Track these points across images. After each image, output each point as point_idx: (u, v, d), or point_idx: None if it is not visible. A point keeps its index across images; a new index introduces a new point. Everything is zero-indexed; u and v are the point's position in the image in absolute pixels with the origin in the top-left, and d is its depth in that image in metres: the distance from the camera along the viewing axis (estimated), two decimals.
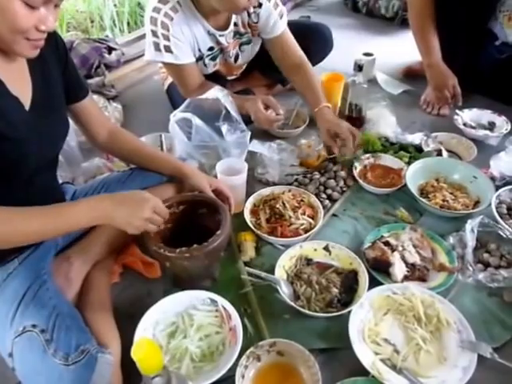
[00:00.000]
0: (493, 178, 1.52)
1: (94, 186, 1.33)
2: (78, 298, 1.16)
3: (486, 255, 1.28)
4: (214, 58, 1.79)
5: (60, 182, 1.30)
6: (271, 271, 1.26)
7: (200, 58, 1.76)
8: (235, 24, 1.73)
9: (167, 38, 1.60)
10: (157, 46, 1.62)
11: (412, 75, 2.29)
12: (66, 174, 1.52)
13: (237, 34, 1.77)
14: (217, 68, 1.85)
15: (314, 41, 2.03)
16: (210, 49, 1.74)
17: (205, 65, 1.79)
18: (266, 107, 1.68)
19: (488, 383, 1.04)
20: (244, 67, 2.01)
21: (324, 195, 1.56)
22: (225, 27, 1.71)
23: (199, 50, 1.72)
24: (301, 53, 1.83)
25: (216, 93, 1.56)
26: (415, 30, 1.97)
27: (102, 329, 1.04)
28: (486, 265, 1.26)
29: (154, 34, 1.60)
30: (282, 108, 1.72)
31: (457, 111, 1.89)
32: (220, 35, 1.71)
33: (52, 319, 0.96)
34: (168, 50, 1.62)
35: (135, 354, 0.67)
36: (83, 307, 1.11)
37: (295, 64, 1.81)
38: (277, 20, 1.76)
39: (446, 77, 1.89)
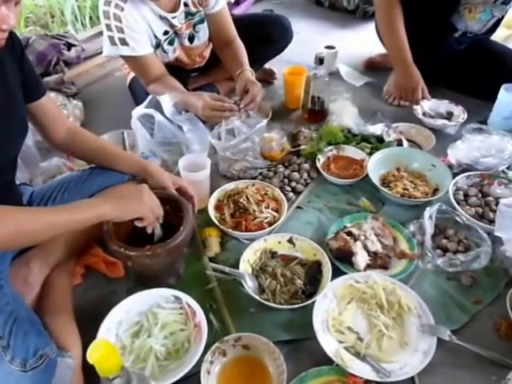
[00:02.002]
0: (450, 166, 1.56)
1: (53, 187, 1.29)
2: (37, 301, 1.13)
3: (444, 241, 1.31)
4: (171, 43, 1.78)
5: (16, 183, 1.27)
6: (237, 266, 1.26)
7: (158, 45, 1.75)
8: (185, 4, 1.73)
9: (121, 31, 1.59)
10: (112, 40, 1.61)
11: (373, 67, 2.32)
12: (22, 174, 1.46)
13: (188, 14, 1.76)
14: (177, 54, 1.84)
15: (274, 29, 2.04)
16: (165, 33, 1.73)
17: (164, 51, 1.78)
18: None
19: (447, 364, 1.08)
20: (207, 56, 2.00)
21: (288, 188, 1.57)
22: (175, 9, 1.70)
23: (155, 37, 1.71)
24: (235, 32, 1.88)
25: (162, 99, 1.57)
26: (385, 26, 1.96)
27: (63, 332, 1.03)
28: (445, 250, 1.30)
29: (108, 27, 1.59)
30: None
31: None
32: (172, 17, 1.69)
33: (9, 325, 0.93)
34: (123, 42, 1.61)
35: (91, 356, 0.66)
36: (43, 311, 1.09)
37: (227, 40, 1.86)
38: None
39: (410, 80, 1.92)
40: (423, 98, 1.93)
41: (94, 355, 0.66)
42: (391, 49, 1.97)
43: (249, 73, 1.76)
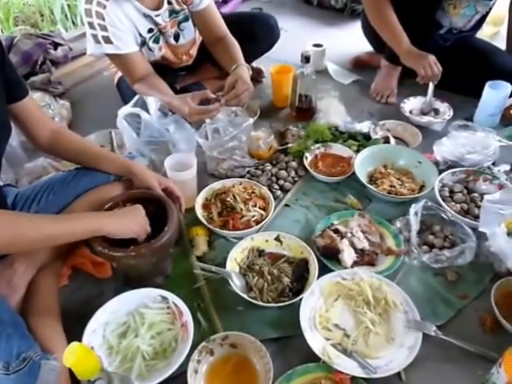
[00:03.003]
0: (436, 163, 1.57)
1: (38, 188, 1.28)
2: (23, 302, 1.12)
3: (430, 237, 1.33)
4: (156, 41, 1.77)
5: (0, 184, 1.26)
6: (224, 264, 1.26)
7: (143, 43, 1.74)
8: (169, 2, 1.72)
9: (104, 29, 1.58)
10: (96, 38, 1.60)
11: (360, 65, 2.32)
12: (7, 175, 1.45)
13: (172, 12, 1.75)
14: (163, 52, 1.83)
15: (260, 28, 2.04)
16: (150, 30, 1.72)
17: (150, 49, 1.77)
18: (201, 103, 1.65)
19: (432, 359, 1.09)
20: (194, 54, 1.99)
21: (276, 186, 1.58)
22: (158, 6, 1.69)
23: (140, 35, 1.71)
24: (225, 28, 1.86)
25: (148, 102, 1.57)
26: (378, 22, 1.92)
27: (48, 334, 1.02)
28: (431, 246, 1.31)
29: (91, 25, 1.58)
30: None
31: (404, 100, 1.93)
32: (156, 15, 1.69)
33: None
34: (107, 40, 1.60)
35: (66, 360, 0.65)
36: (28, 313, 1.08)
37: (218, 37, 1.85)
38: None
39: (425, 56, 1.86)
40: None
41: (69, 359, 0.65)
42: (391, 41, 1.93)
43: (244, 69, 1.73)
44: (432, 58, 1.84)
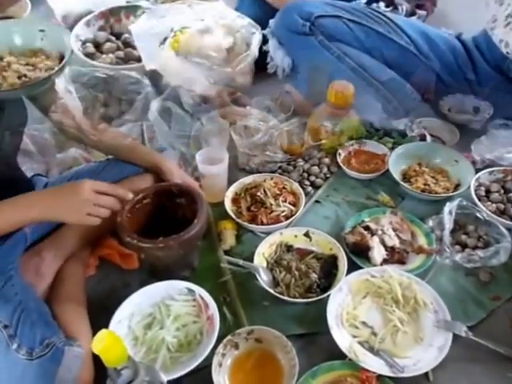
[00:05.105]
0: (474, 162, 1.52)
1: (67, 178, 1.29)
2: (50, 290, 1.14)
3: (463, 236, 1.29)
4: None
5: (31, 174, 1.28)
6: (252, 259, 1.25)
7: None
8: None
9: None
10: None
11: None
12: (38, 165, 1.48)
13: None
14: None
15: None
16: None
17: None
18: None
19: (462, 360, 1.06)
20: None
21: (307, 182, 1.56)
22: None
23: None
24: None
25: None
26: None
27: (73, 321, 1.03)
28: (464, 246, 1.27)
29: None
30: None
31: (442, 97, 1.87)
32: None
33: (17, 314, 0.95)
34: None
35: (95, 346, 0.66)
36: (54, 301, 1.10)
37: None
38: None
39: None
40: None
41: (98, 345, 0.66)
42: None
43: None
44: None
